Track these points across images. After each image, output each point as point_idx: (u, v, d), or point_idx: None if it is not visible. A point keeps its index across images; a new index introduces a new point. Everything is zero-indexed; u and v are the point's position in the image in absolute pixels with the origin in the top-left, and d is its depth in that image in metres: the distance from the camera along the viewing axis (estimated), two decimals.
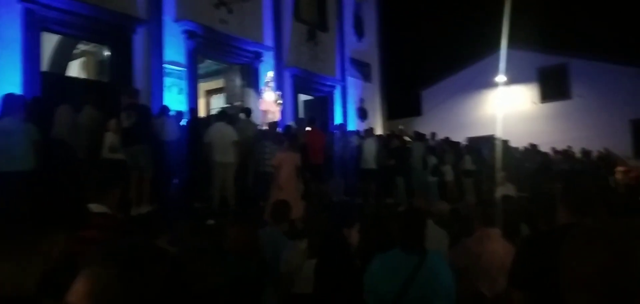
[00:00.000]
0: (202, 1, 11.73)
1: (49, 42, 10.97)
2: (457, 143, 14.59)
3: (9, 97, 6.21)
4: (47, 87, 8.75)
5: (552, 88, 19.91)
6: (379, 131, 16.10)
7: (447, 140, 14.29)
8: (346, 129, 14.04)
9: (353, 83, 16.92)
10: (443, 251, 3.73)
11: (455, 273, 2.95)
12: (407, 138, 13.16)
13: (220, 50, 12.46)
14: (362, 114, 17.06)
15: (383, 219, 3.20)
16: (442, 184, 11.63)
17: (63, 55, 11.79)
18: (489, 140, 15.00)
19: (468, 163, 12.71)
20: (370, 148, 10.95)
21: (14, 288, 1.21)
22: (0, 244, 1.23)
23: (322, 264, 3.03)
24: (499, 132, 15.11)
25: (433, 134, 14.26)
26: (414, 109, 21.75)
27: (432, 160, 11.72)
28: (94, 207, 3.06)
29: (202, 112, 13.24)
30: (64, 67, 11.91)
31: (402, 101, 20.19)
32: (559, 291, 0.98)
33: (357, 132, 12.61)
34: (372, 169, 10.80)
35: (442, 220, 4.50)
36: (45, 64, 10.70)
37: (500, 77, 18.86)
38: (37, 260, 1.26)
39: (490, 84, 19.94)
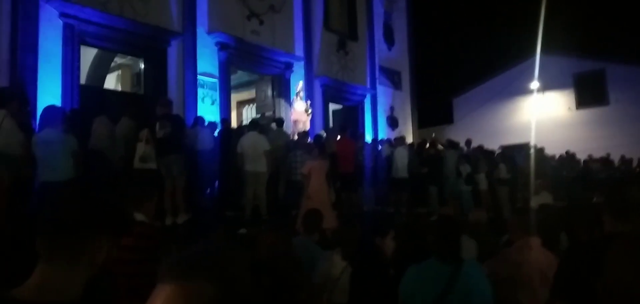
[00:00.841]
0: (234, 13, 11.92)
1: (88, 55, 11.33)
2: (491, 151, 14.30)
3: (49, 109, 6.43)
4: (85, 99, 9.03)
5: (588, 94, 19.37)
6: (409, 139, 15.96)
7: (480, 148, 14.02)
8: (377, 138, 14.00)
9: (383, 92, 16.84)
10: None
11: (495, 283, 2.87)
12: (439, 146, 12.99)
13: (251, 61, 12.61)
14: (393, 122, 16.95)
15: (417, 228, 3.15)
16: (475, 193, 11.41)
17: (101, 69, 12.13)
18: (524, 148, 14.65)
19: (502, 172, 12.43)
20: (401, 157, 10.85)
21: (59, 294, 1.23)
22: (46, 251, 1.27)
23: (356, 274, 3.00)
24: (534, 140, 14.75)
25: (468, 142, 14.03)
26: (446, 117, 21.49)
27: (466, 168, 11.52)
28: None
29: (234, 123, 13.40)
30: (102, 80, 12.26)
31: (433, 109, 19.97)
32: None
33: (388, 141, 12.53)
34: (404, 178, 10.69)
35: (477, 230, 4.41)
36: (84, 77, 11.05)
37: (535, 84, 18.46)
38: (82, 267, 1.29)
39: (524, 91, 19.54)
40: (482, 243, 4.24)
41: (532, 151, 13.11)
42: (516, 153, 14.37)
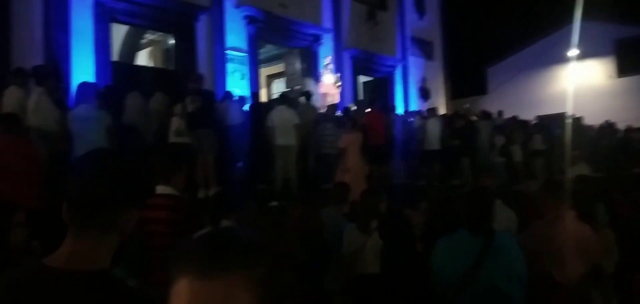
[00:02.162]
0: None
1: (119, 32, 11.50)
2: (526, 122, 13.92)
3: (84, 85, 6.60)
4: (117, 76, 9.19)
5: (631, 61, 18.50)
6: (442, 110, 15.68)
7: (515, 119, 13.66)
8: (408, 110, 13.81)
9: (414, 62, 16.52)
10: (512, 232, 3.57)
11: (526, 256, 2.79)
12: (472, 117, 12.72)
13: (280, 34, 12.55)
14: (425, 93, 16.66)
15: (449, 200, 3.08)
16: (510, 164, 11.16)
17: (131, 45, 12.33)
18: (561, 118, 14.18)
19: (538, 143, 12.12)
20: (433, 128, 10.68)
21: (92, 262, 1.26)
22: (78, 223, 1.29)
23: (385, 246, 2.97)
24: (571, 110, 14.25)
25: (500, 113, 13.69)
26: (479, 88, 20.95)
27: (500, 140, 11.26)
28: (161, 189, 3.16)
29: (263, 97, 13.43)
30: (133, 56, 12.45)
31: (467, 79, 19.48)
32: None
33: (419, 113, 12.33)
34: (436, 150, 10.53)
35: (508, 201, 4.29)
36: (115, 54, 11.24)
37: (573, 51, 17.74)
38: (112, 236, 1.32)
39: (561, 59, 18.81)
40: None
41: (569, 120, 12.68)
42: (553, 123, 13.95)
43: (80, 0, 8.72)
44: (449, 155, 10.63)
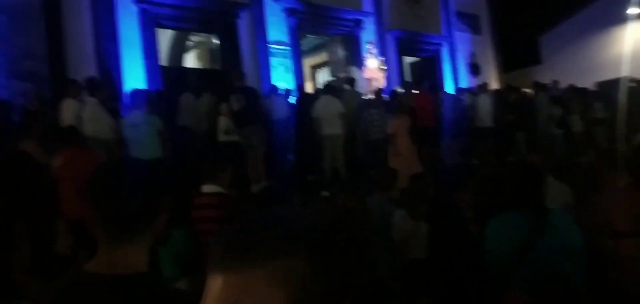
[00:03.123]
0: None
1: (166, 37, 11.84)
2: (585, 90, 13.21)
3: (134, 92, 6.86)
4: (167, 80, 9.47)
5: None
6: (494, 85, 15.16)
7: (572, 87, 13.00)
8: (458, 87, 13.45)
9: (461, 38, 16.02)
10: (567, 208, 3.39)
11: (584, 232, 2.64)
12: (526, 90, 12.22)
13: (320, 23, 12.50)
14: (475, 69, 16.15)
15: (496, 178, 2.96)
16: (569, 135, 10.65)
17: (179, 48, 12.67)
18: (622, 83, 13.36)
19: (598, 111, 11.50)
20: (484, 105, 10.36)
21: (131, 266, 1.31)
22: (117, 231, 1.33)
23: (433, 229, 2.91)
24: (634, 73, 13.39)
25: (555, 82, 13.06)
26: (533, 58, 20.00)
27: (557, 111, 10.76)
28: (208, 188, 3.25)
29: (308, 88, 13.46)
30: (180, 59, 12.79)
31: (519, 50, 18.66)
32: None
33: (469, 89, 11.99)
34: (489, 127, 10.21)
35: (562, 176, 4.07)
36: (165, 59, 11.60)
37: (633, 10, 16.63)
38: (147, 240, 1.37)
39: (620, 19, 17.68)
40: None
41: (632, 84, 11.93)
42: (614, 89, 13.16)
43: (126, 10, 9.03)
44: (503, 131, 10.28)
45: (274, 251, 0.62)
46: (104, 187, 1.34)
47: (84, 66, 8.34)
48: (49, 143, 5.19)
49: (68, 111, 6.33)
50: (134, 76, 8.85)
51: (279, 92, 9.23)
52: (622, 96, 11.67)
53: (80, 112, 6.23)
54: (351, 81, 10.03)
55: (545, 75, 15.42)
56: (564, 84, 13.41)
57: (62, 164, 4.59)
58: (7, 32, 7.94)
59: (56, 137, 5.19)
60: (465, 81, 15.04)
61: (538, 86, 11.80)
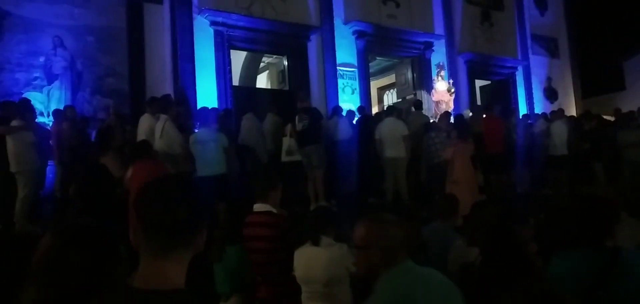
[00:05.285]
0: (370, 0, 11.90)
1: (240, 58, 12.30)
2: None
3: (204, 110, 7.14)
4: (238, 99, 9.82)
5: None
6: (572, 111, 14.36)
7: None
8: (531, 112, 12.87)
9: (538, 61, 15.40)
10: None
11: None
12: (607, 117, 11.45)
13: (389, 46, 12.49)
14: (551, 94, 15.42)
15: (563, 210, 2.77)
16: None
17: (252, 69, 13.10)
18: None
19: None
20: (560, 131, 9.82)
21: (169, 281, 1.33)
22: (160, 245, 1.37)
23: (486, 262, 2.77)
24: None
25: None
26: (616, 83, 18.75)
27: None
28: (259, 207, 3.31)
29: (375, 110, 13.42)
30: (253, 79, 13.22)
31: (600, 76, 17.57)
32: None
33: (543, 115, 11.42)
34: (563, 155, 9.66)
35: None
36: (238, 79, 12.03)
37: None
38: (188, 255, 1.39)
39: None
40: None
41: None
42: None
43: (203, 32, 9.50)
44: (578, 160, 9.68)
45: None
46: (148, 200, 1.37)
47: (161, 84, 8.87)
48: (125, 156, 5.53)
49: (143, 126, 6.73)
50: (207, 95, 9.26)
51: (342, 113, 9.26)
52: None
53: (154, 128, 6.59)
54: (418, 104, 9.89)
55: (629, 102, 14.39)
56: None
57: (132, 175, 4.86)
58: (93, 51, 8.62)
59: (130, 150, 5.49)
60: (541, 107, 14.39)
61: (621, 114, 11.01)
